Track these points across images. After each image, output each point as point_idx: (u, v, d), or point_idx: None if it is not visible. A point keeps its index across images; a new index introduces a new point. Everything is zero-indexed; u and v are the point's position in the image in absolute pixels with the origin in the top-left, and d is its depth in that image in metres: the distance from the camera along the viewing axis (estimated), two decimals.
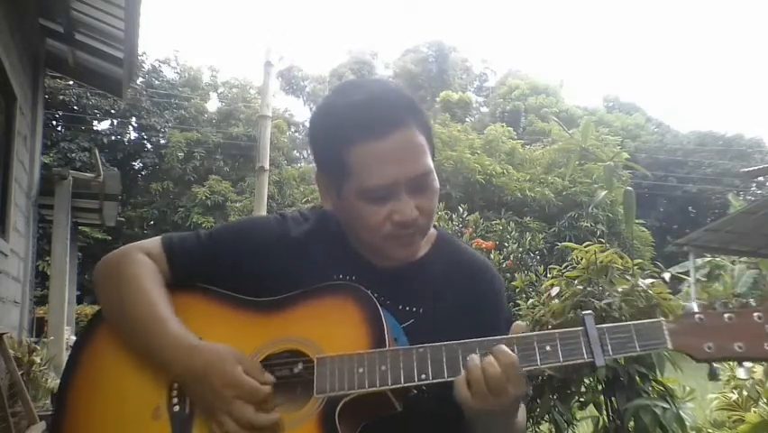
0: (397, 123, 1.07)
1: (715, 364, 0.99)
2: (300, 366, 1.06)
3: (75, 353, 1.18)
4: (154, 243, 1.20)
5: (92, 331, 1.19)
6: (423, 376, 0.99)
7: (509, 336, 1.01)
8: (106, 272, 1.19)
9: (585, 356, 0.97)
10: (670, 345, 0.96)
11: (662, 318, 0.99)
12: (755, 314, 0.96)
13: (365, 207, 1.08)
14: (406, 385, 1.00)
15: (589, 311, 1.01)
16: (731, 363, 4.35)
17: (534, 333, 1.01)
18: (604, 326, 0.98)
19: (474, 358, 0.97)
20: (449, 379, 0.98)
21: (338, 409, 0.99)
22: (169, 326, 1.08)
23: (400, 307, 1.15)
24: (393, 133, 1.06)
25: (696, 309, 0.98)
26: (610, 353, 0.97)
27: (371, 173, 1.06)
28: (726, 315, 0.97)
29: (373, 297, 1.07)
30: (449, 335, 1.02)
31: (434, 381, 0.99)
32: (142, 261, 1.16)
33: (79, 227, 10.79)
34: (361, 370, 1.00)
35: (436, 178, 1.13)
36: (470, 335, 1.02)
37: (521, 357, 0.98)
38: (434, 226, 1.24)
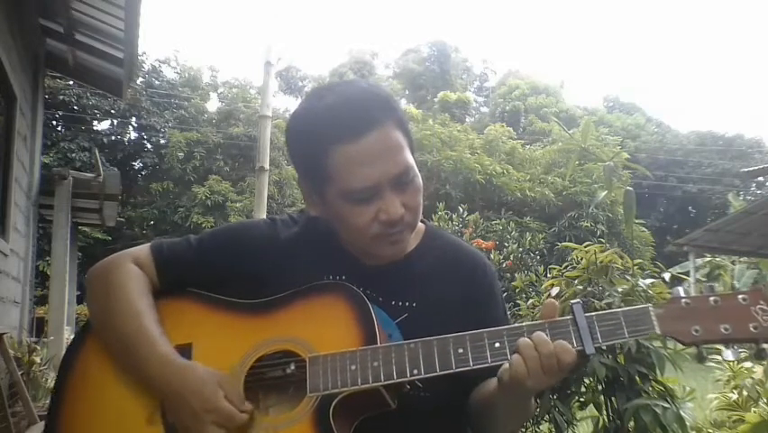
0: (372, 122, 1.06)
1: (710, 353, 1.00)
2: (293, 366, 1.06)
3: (68, 357, 1.18)
4: (143, 250, 1.20)
5: (86, 337, 1.19)
6: (415, 371, 0.99)
7: (502, 327, 1.01)
8: (95, 282, 1.19)
9: (575, 345, 0.97)
10: (658, 330, 0.96)
11: (650, 304, 0.99)
12: (740, 296, 0.96)
13: (351, 208, 1.08)
14: (398, 381, 1.00)
15: (578, 300, 1.02)
16: (730, 363, 4.36)
17: (525, 323, 1.01)
18: (593, 314, 0.99)
19: (524, 338, 0.97)
20: (441, 373, 0.99)
21: (332, 407, 0.99)
22: (154, 341, 1.08)
23: (393, 302, 1.15)
24: (370, 133, 1.05)
25: (682, 294, 0.99)
26: (600, 340, 0.97)
27: (353, 175, 1.06)
28: (711, 298, 0.97)
29: (363, 294, 1.07)
30: (444, 326, 1.02)
31: (426, 375, 0.99)
32: (130, 270, 1.16)
33: (79, 227, 10.78)
34: (353, 367, 1.00)
35: (418, 173, 1.13)
36: (467, 325, 1.02)
37: (510, 348, 0.98)
38: (421, 220, 1.25)
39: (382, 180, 1.06)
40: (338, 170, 1.07)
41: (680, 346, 2.73)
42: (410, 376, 0.99)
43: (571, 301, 1.01)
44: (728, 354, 1.01)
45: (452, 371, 0.98)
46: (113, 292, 1.14)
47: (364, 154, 1.05)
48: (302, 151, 1.14)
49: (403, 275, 1.18)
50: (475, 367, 0.98)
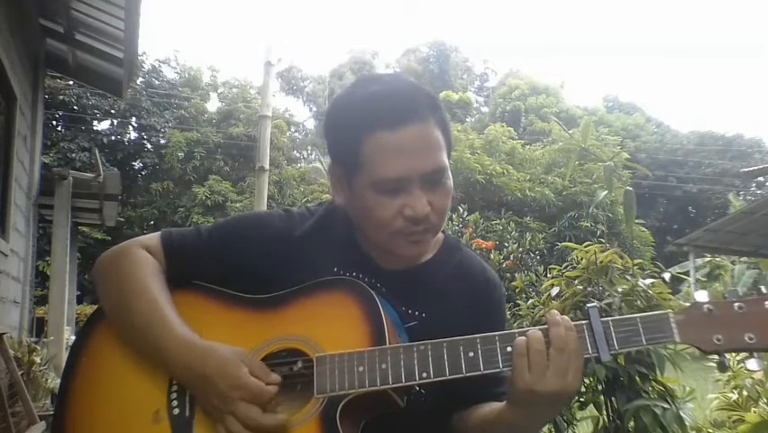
0: (414, 115, 1.04)
1: (726, 356, 0.94)
2: (300, 365, 1.04)
3: (73, 354, 1.17)
4: (154, 238, 1.18)
5: (90, 331, 1.18)
6: (424, 374, 0.97)
7: (514, 330, 0.99)
8: (106, 268, 1.17)
9: (590, 351, 0.93)
10: (677, 339, 0.91)
11: (669, 310, 0.94)
12: (767, 302, 0.90)
13: (376, 199, 1.06)
14: (407, 384, 0.98)
15: (594, 304, 0.97)
16: (736, 360, 4.35)
17: (538, 327, 0.97)
18: (609, 319, 0.95)
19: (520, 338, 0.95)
20: (450, 377, 0.96)
21: (339, 409, 0.98)
22: (172, 325, 1.06)
23: (403, 309, 1.13)
24: (409, 126, 1.04)
25: (705, 299, 0.93)
26: (616, 347, 0.93)
27: (385, 164, 1.04)
28: (736, 304, 0.91)
29: (372, 291, 1.05)
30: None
31: (436, 379, 0.97)
32: (142, 256, 1.15)
33: (79, 227, 10.78)
34: (361, 368, 0.98)
35: (450, 177, 1.10)
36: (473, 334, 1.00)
37: None
38: (441, 231, 1.22)
39: (413, 175, 1.04)
40: (371, 158, 1.04)
41: (680, 346, 2.73)
42: (419, 379, 0.97)
43: (588, 306, 0.97)
44: (753, 363, 0.94)
45: (462, 375, 0.96)
46: (126, 277, 1.12)
47: (400, 145, 1.03)
48: (338, 135, 1.12)
49: (416, 283, 1.15)
50: (486, 372, 0.96)
